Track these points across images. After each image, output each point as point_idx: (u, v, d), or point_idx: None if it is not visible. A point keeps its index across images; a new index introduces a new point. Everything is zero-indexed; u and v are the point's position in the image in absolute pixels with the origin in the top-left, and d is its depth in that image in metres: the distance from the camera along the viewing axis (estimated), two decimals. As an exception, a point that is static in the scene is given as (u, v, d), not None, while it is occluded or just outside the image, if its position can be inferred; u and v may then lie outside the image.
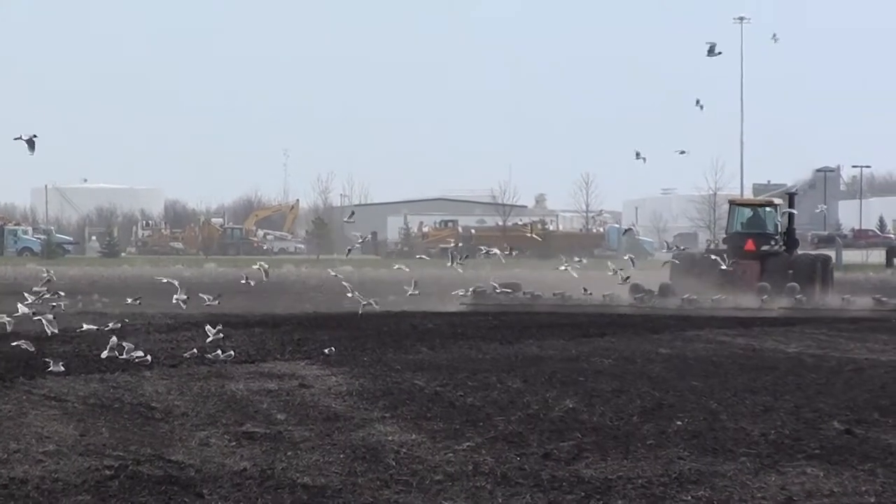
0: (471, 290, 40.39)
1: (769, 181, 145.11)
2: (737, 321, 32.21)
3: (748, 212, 47.05)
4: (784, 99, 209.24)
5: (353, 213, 30.64)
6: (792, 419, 15.05)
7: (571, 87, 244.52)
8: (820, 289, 43.33)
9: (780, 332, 28.75)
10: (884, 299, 40.99)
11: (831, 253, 61.18)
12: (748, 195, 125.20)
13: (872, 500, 10.89)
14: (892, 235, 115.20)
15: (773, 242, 45.24)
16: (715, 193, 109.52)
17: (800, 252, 47.49)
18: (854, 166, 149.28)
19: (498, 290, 40.28)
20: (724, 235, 47.89)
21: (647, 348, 24.21)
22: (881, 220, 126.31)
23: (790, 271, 43.43)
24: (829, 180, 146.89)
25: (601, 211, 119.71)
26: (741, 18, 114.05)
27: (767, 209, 46.68)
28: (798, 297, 41.09)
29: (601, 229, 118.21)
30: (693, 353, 23.36)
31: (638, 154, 49.10)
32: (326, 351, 22.86)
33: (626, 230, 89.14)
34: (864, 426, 14.58)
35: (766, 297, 40.54)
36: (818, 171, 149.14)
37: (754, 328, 30.06)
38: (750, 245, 44.88)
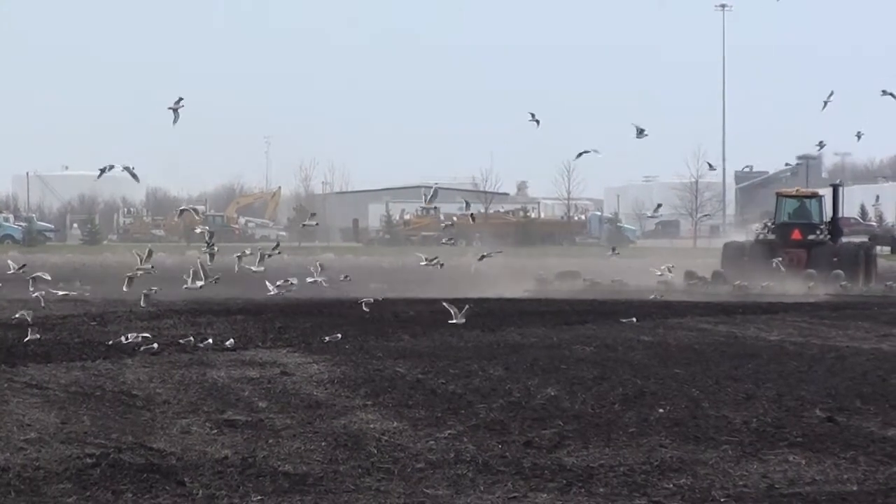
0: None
1: (752, 167, 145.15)
2: (719, 309, 32.26)
3: (794, 203, 49.15)
4: (766, 85, 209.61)
5: (356, 222, 30.34)
6: (774, 407, 15.07)
7: (553, 74, 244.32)
8: (863, 276, 45.23)
9: (762, 320, 28.77)
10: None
11: None
12: (730, 183, 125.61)
13: (854, 487, 10.91)
14: (873, 223, 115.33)
15: (818, 232, 47.14)
16: (697, 181, 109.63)
17: (843, 241, 49.39)
18: (836, 154, 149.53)
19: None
20: (772, 225, 49.18)
21: (629, 336, 24.20)
22: (862, 208, 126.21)
23: (835, 259, 45.38)
24: (811, 168, 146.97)
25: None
26: (723, 6, 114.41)
27: (813, 200, 48.75)
28: (843, 284, 42.67)
29: (583, 217, 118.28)
30: (675, 341, 23.36)
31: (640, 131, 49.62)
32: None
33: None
34: (845, 414, 14.61)
35: (812, 284, 41.85)
36: (800, 157, 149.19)
37: (736, 316, 30.08)
38: (796, 234, 46.78)
